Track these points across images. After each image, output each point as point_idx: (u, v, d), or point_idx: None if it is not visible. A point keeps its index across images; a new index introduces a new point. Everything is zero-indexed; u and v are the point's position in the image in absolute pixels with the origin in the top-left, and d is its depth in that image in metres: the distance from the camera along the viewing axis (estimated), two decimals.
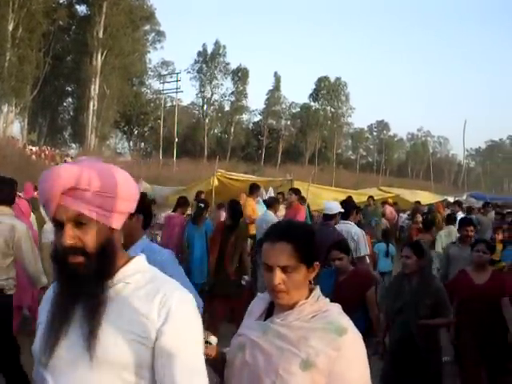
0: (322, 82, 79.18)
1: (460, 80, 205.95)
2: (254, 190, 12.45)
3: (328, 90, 78.74)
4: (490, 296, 5.51)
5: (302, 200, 13.23)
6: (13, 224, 5.16)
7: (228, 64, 72.99)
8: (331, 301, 2.18)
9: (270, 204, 10.74)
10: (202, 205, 9.59)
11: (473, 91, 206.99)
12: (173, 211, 10.90)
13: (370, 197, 19.57)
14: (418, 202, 19.95)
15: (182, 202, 10.69)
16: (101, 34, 53.97)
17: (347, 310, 2.18)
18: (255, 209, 11.70)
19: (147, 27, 62.97)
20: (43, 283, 5.20)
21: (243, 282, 7.81)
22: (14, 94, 48.99)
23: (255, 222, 10.72)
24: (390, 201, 21.55)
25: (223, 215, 13.82)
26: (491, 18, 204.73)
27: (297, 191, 12.07)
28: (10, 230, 5.10)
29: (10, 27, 48.07)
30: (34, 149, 44.98)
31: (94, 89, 55.17)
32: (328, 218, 7.75)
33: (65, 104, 69.52)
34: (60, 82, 64.10)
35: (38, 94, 55.00)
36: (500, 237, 10.23)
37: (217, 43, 71.89)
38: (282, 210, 12.48)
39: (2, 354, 5.11)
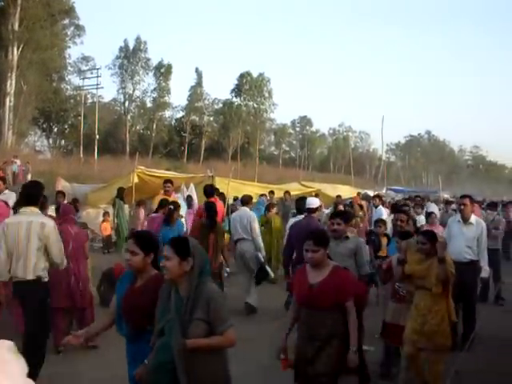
0: (243, 77, 79.34)
1: (380, 76, 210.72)
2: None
3: (250, 86, 79.02)
4: (319, 298, 5.03)
5: (221, 196, 13.45)
6: (42, 221, 6.47)
7: (149, 60, 72.23)
8: None
9: (246, 201, 11.66)
10: (172, 206, 10.31)
11: (392, 87, 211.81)
12: (154, 212, 11.47)
13: (286, 192, 19.94)
14: (338, 196, 20.37)
15: (164, 203, 11.09)
16: (16, 27, 52.27)
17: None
18: None
19: (66, 21, 61.23)
20: (64, 266, 6.76)
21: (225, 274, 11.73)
22: None
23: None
24: (313, 194, 21.92)
25: (143, 212, 13.86)
26: (410, 17, 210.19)
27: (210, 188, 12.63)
28: (41, 226, 6.37)
29: None
30: None
31: (11, 84, 53.39)
32: (311, 211, 9.07)
33: None
34: None
35: None
36: (382, 230, 10.09)
37: (138, 39, 70.91)
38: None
39: (36, 331, 6.44)
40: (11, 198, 9.63)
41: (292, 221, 10.75)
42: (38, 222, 6.37)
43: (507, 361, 8.00)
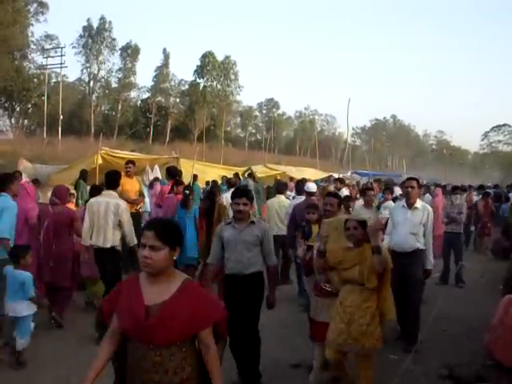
0: (206, 57, 78.66)
1: (347, 59, 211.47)
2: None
3: (214, 67, 78.47)
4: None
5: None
6: (117, 202, 8.27)
7: (114, 40, 71.32)
8: None
9: (281, 189, 13.21)
10: (187, 191, 10.77)
11: (358, 70, 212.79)
12: (169, 192, 11.89)
13: (236, 174, 19.86)
14: (303, 179, 20.31)
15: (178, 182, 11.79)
16: None
17: None
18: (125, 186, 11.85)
19: None
20: (135, 242, 7.98)
21: None
22: None
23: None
24: (279, 177, 21.94)
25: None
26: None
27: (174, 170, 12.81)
28: (116, 206, 8.16)
29: None
30: None
31: None
32: (310, 194, 10.57)
33: None
34: None
35: None
36: (315, 216, 8.71)
37: (102, 18, 69.82)
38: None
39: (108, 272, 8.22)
40: None
41: (294, 202, 11.57)
42: (113, 203, 8.19)
43: (456, 360, 7.37)
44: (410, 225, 8.11)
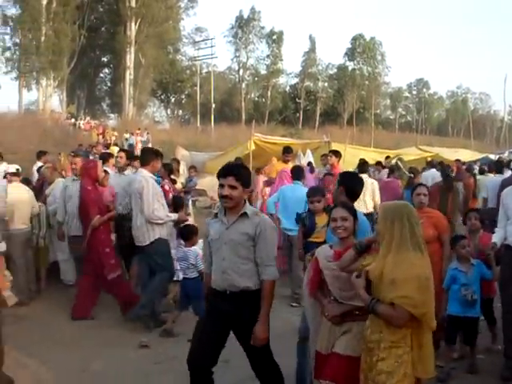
0: (356, 40, 77.88)
1: (499, 34, 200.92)
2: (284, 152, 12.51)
3: (363, 49, 77.50)
4: None
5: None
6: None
7: (263, 28, 72.52)
8: None
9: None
10: (412, 174, 11.09)
11: None
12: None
13: (387, 157, 19.34)
14: (458, 160, 19.50)
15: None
16: (133, 4, 53.86)
17: None
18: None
19: None
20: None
21: None
22: (51, 68, 49.42)
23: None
24: (429, 159, 21.26)
25: (262, 179, 13.90)
26: None
27: (337, 153, 12.14)
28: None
29: (44, 2, 48.30)
30: (81, 123, 45.47)
31: (130, 58, 55.27)
32: None
33: (101, 75, 70.26)
34: (96, 53, 64.74)
35: (74, 67, 55.43)
36: (320, 206, 6.77)
37: (252, 9, 71.79)
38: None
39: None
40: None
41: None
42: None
43: None
44: None
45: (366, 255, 4.06)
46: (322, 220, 6.27)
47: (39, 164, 12.88)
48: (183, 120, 69.26)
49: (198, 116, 57.40)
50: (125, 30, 54.95)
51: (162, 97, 69.34)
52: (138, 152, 31.29)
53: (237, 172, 4.50)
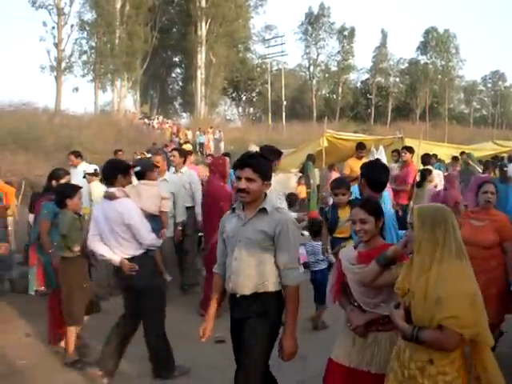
0: (429, 33, 76.45)
1: None
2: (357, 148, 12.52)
3: (437, 42, 76.00)
4: None
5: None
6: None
7: (333, 24, 72.13)
8: None
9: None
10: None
11: None
12: None
13: (462, 152, 18.58)
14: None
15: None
16: (203, 4, 54.49)
17: None
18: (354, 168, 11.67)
19: None
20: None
21: None
22: (125, 69, 50.66)
23: None
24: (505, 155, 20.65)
25: (334, 176, 13.87)
26: None
27: (410, 149, 12.03)
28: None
29: (118, 5, 49.78)
30: (154, 122, 46.41)
31: (201, 58, 55.92)
32: None
33: (173, 75, 71.23)
34: (167, 53, 65.80)
35: (147, 67, 56.61)
36: (344, 199, 6.53)
37: (321, 5, 71.57)
38: (395, 169, 12.42)
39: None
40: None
41: None
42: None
43: None
44: None
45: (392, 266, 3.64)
46: (344, 214, 6.01)
47: None
48: (254, 118, 69.62)
49: (270, 113, 57.61)
50: (195, 30, 55.63)
51: (234, 95, 69.93)
52: (211, 150, 31.74)
53: (255, 163, 4.02)
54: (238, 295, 4.07)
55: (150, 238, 5.68)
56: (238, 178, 4.01)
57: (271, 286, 4.02)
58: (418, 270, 3.22)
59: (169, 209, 7.94)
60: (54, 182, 7.33)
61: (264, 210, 4.03)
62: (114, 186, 5.67)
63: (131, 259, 5.54)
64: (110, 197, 5.55)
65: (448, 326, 3.03)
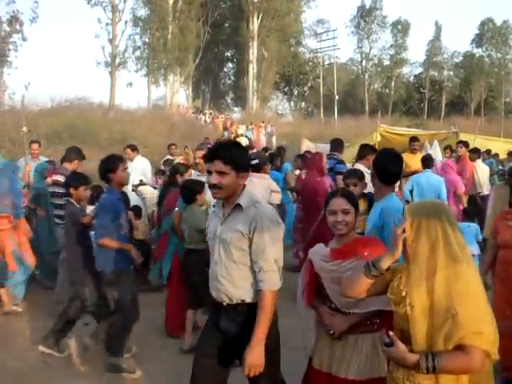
0: (485, 25, 74.76)
1: None
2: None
3: (493, 34, 74.31)
4: None
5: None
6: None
7: (385, 17, 71.27)
8: None
9: None
10: None
11: None
12: None
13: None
14: None
15: None
16: None
17: None
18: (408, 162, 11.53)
19: None
20: None
21: None
22: (178, 64, 51.18)
23: None
24: None
25: None
26: None
27: (466, 144, 11.87)
28: None
29: (171, 1, 50.42)
30: (207, 116, 46.77)
31: (253, 52, 56.15)
32: None
33: (225, 69, 71.76)
34: (219, 48, 66.22)
35: (199, 62, 57.11)
36: (358, 189, 6.16)
37: None
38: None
39: None
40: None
41: None
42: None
43: None
44: None
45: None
46: (362, 205, 5.41)
47: (168, 156, 13.39)
48: (306, 112, 69.46)
49: (322, 108, 57.39)
50: (247, 25, 55.89)
51: (285, 89, 69.90)
52: (263, 144, 31.75)
53: (225, 153, 3.50)
54: (224, 303, 3.61)
55: None
56: (209, 172, 3.55)
57: (254, 294, 3.55)
58: (417, 279, 2.69)
59: (279, 201, 8.20)
60: (178, 177, 7.58)
61: (239, 206, 3.56)
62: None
63: None
64: None
65: (473, 344, 2.54)
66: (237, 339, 3.53)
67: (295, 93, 70.94)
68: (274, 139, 34.98)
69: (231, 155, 3.50)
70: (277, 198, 7.97)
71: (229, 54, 68.87)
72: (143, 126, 30.69)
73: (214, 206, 3.83)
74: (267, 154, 13.87)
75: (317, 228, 7.56)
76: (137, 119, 33.89)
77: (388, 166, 4.63)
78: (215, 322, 3.70)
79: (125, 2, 46.78)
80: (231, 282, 3.54)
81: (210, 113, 50.22)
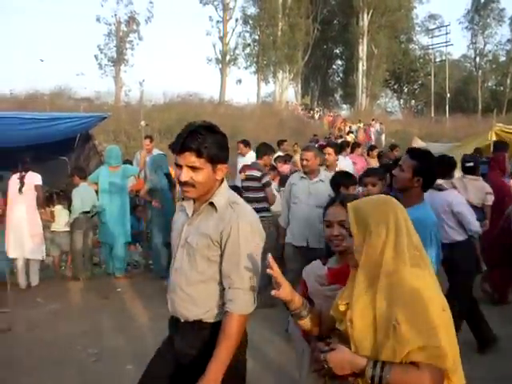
0: None
1: None
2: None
3: None
4: None
5: None
6: None
7: (503, 10, 68.37)
8: None
9: None
10: None
11: None
12: None
13: None
14: None
15: None
16: None
17: None
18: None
19: None
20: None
21: None
22: (287, 61, 51.57)
23: None
24: None
25: None
26: None
27: None
28: None
29: None
30: (317, 114, 46.88)
31: (362, 49, 55.79)
32: None
33: (334, 66, 71.56)
34: (328, 45, 66.12)
35: (308, 59, 57.33)
36: (370, 190, 5.50)
37: None
38: None
39: None
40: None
41: None
42: None
43: None
44: None
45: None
46: None
47: (279, 154, 13.44)
48: (416, 110, 68.08)
49: (432, 106, 56.17)
50: (357, 21, 55.63)
51: (395, 87, 68.83)
52: (372, 141, 31.39)
53: (197, 143, 2.73)
54: (181, 320, 2.92)
55: (476, 224, 6.05)
56: (178, 166, 2.81)
57: (221, 315, 2.81)
58: (360, 288, 2.27)
59: (491, 203, 8.09)
60: None
61: (212, 205, 2.86)
62: None
63: (455, 244, 5.87)
64: (439, 188, 5.90)
65: (426, 361, 2.08)
66: (193, 364, 2.81)
67: (405, 90, 69.67)
68: (383, 137, 34.60)
69: (205, 145, 2.73)
70: (490, 199, 8.00)
71: (338, 51, 68.71)
72: (252, 122, 31.14)
73: (183, 198, 3.05)
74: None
75: (500, 232, 7.58)
76: (246, 115, 34.47)
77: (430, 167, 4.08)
78: (172, 339, 3.04)
79: (235, 0, 47.57)
80: (191, 296, 2.85)
81: (319, 109, 50.26)
